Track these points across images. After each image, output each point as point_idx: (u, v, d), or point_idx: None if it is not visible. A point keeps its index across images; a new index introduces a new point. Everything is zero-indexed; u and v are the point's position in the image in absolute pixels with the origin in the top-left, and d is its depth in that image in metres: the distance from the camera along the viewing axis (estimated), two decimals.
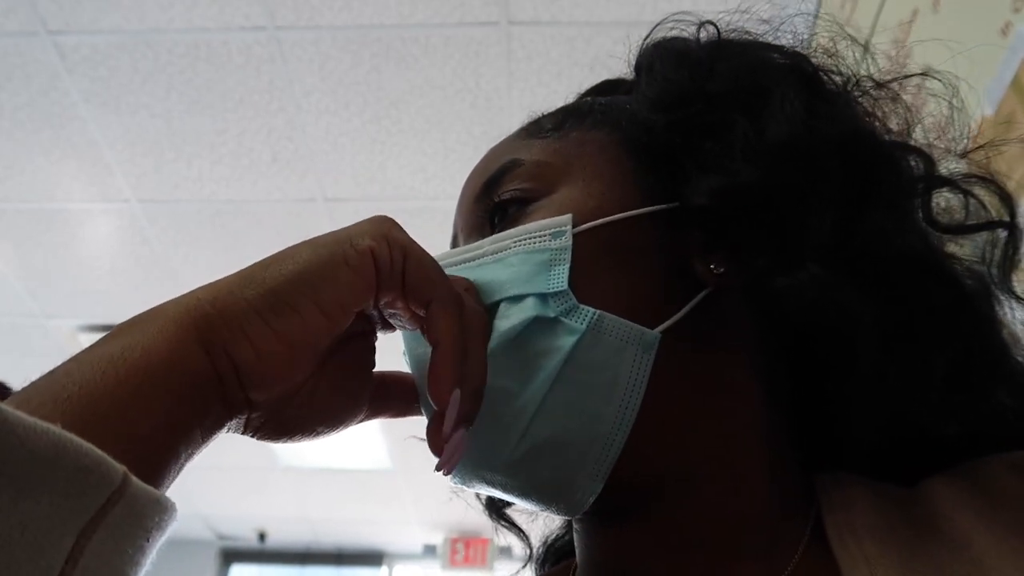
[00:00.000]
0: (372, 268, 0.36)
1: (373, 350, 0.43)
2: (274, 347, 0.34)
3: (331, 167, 2.28)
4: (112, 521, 0.26)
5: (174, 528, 0.29)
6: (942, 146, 0.45)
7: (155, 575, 0.29)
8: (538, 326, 0.41)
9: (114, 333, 0.33)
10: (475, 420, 0.40)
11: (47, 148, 2.25)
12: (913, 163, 0.44)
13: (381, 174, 2.30)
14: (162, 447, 0.31)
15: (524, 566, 0.60)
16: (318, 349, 0.36)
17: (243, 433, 0.37)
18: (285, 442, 0.39)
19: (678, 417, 0.42)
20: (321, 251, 0.36)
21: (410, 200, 2.37)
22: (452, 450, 0.38)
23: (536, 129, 0.50)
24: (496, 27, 1.90)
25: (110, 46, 1.98)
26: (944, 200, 0.44)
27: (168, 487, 0.32)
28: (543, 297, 0.41)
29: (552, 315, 0.41)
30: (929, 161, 0.44)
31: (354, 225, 0.38)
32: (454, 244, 0.52)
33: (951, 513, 0.39)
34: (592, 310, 0.41)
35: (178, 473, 0.33)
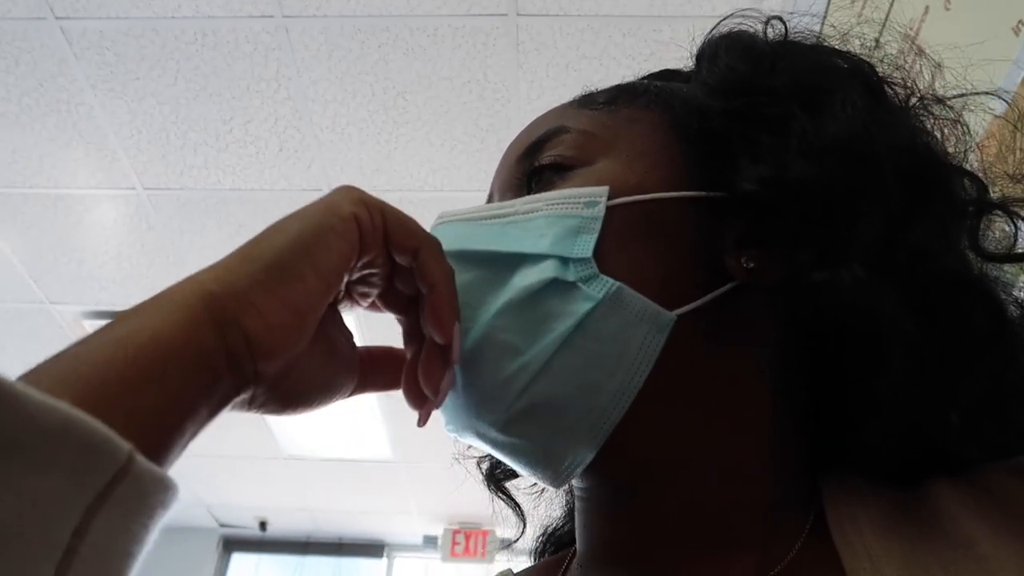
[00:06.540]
0: (356, 232, 0.39)
1: (343, 323, 0.45)
2: (282, 316, 0.36)
3: (337, 157, 2.28)
4: (118, 498, 0.26)
5: (176, 515, 0.30)
6: (997, 168, 0.45)
7: (156, 562, 0.30)
8: (555, 288, 0.41)
9: (119, 319, 0.34)
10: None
11: (53, 134, 2.24)
12: (966, 186, 0.43)
13: (387, 164, 2.29)
14: (169, 425, 0.32)
15: (515, 541, 0.60)
16: (317, 315, 0.38)
17: (247, 409, 0.38)
18: (287, 414, 0.41)
19: (678, 402, 0.42)
20: (308, 222, 0.38)
21: (416, 191, 2.36)
22: (448, 384, 0.42)
23: (588, 101, 0.50)
24: (504, 18, 1.89)
25: (118, 32, 1.98)
26: (994, 224, 0.43)
27: (172, 465, 0.33)
28: (564, 261, 0.41)
29: (571, 279, 0.41)
30: (982, 186, 0.43)
31: (329, 196, 0.41)
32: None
33: (955, 514, 0.39)
34: (612, 281, 0.41)
35: (182, 451, 0.33)
